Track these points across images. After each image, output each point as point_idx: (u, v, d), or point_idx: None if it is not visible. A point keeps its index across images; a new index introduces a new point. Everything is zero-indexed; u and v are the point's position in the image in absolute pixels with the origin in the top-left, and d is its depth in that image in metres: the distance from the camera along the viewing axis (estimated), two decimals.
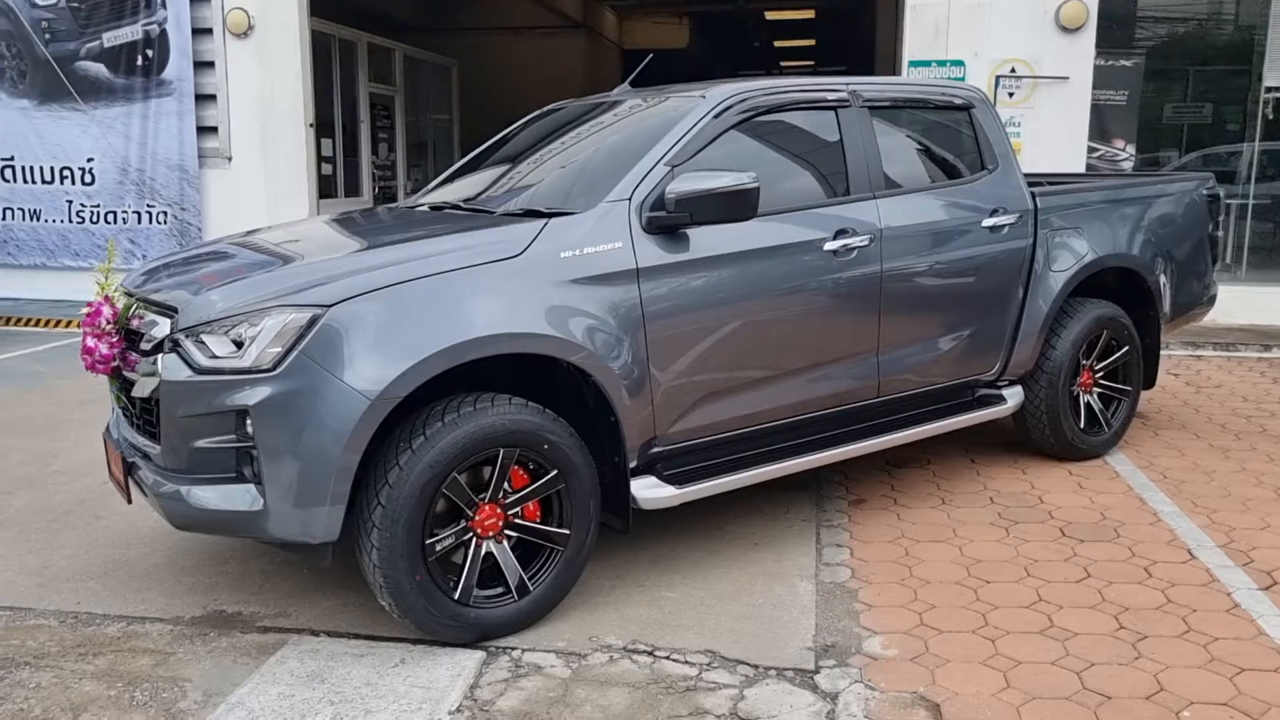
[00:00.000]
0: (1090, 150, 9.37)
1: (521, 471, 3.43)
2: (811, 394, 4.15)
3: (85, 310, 3.39)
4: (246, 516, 3.12)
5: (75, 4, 10.13)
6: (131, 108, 10.22)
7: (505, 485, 3.38)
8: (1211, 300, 5.82)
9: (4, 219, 10.68)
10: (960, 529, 4.33)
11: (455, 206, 4.20)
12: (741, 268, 3.82)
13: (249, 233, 4.37)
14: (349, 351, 3.09)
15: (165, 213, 10.33)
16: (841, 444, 4.27)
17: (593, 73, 21.00)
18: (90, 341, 3.38)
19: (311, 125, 10.24)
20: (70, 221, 10.54)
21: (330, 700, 3.08)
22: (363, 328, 3.12)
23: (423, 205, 4.45)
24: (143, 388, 3.26)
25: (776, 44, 27.66)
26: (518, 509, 3.42)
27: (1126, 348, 5.16)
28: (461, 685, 3.16)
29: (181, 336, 3.16)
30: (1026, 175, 7.31)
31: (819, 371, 4.14)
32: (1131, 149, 9.46)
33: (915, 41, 9.13)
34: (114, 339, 3.39)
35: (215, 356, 3.11)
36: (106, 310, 3.38)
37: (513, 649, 3.37)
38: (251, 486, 3.11)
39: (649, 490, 3.71)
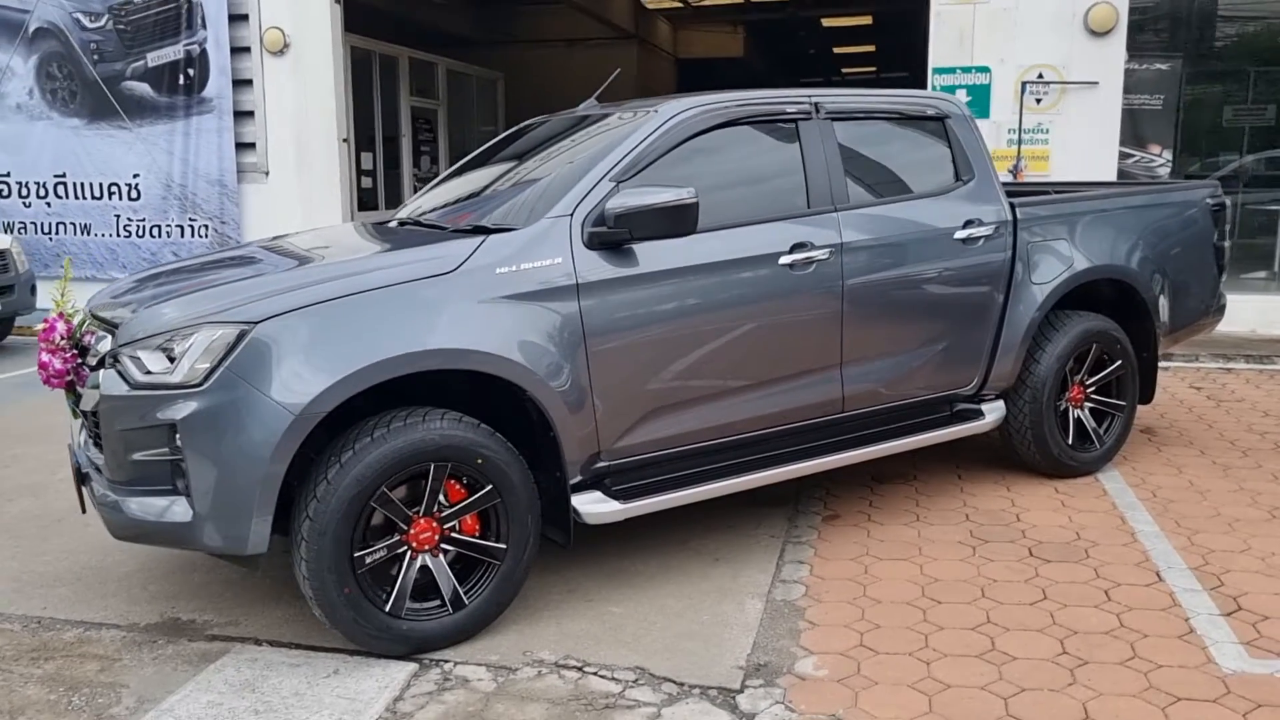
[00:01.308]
0: (1126, 156, 9.13)
1: (458, 486, 3.46)
2: (770, 409, 4.11)
3: (41, 326, 3.52)
4: (177, 528, 3.20)
5: (122, 26, 10.50)
6: (174, 125, 10.57)
7: (440, 499, 3.42)
8: (1220, 311, 5.62)
9: (57, 233, 11.11)
10: (927, 547, 4.26)
11: (417, 222, 4.27)
12: (688, 282, 3.81)
13: (249, 243, 4.50)
14: (275, 367, 3.16)
15: (206, 226, 10.65)
16: (804, 459, 4.22)
17: (645, 83, 21.07)
18: (45, 357, 3.51)
19: (345, 140, 10.46)
20: (118, 235, 10.93)
21: (256, 709, 3.14)
22: (290, 344, 3.19)
23: (393, 220, 4.53)
24: (87, 401, 3.39)
25: (836, 50, 27.44)
26: (454, 523, 3.46)
27: (1119, 362, 5.01)
28: (386, 697, 3.20)
29: (121, 352, 3.26)
30: (1035, 184, 7.19)
31: (777, 386, 4.10)
32: (1168, 154, 9.19)
33: (940, 48, 9.00)
34: (68, 354, 3.51)
35: (149, 372, 3.20)
36: (61, 326, 3.51)
37: (446, 662, 3.41)
38: (183, 499, 3.20)
39: (593, 505, 3.71)
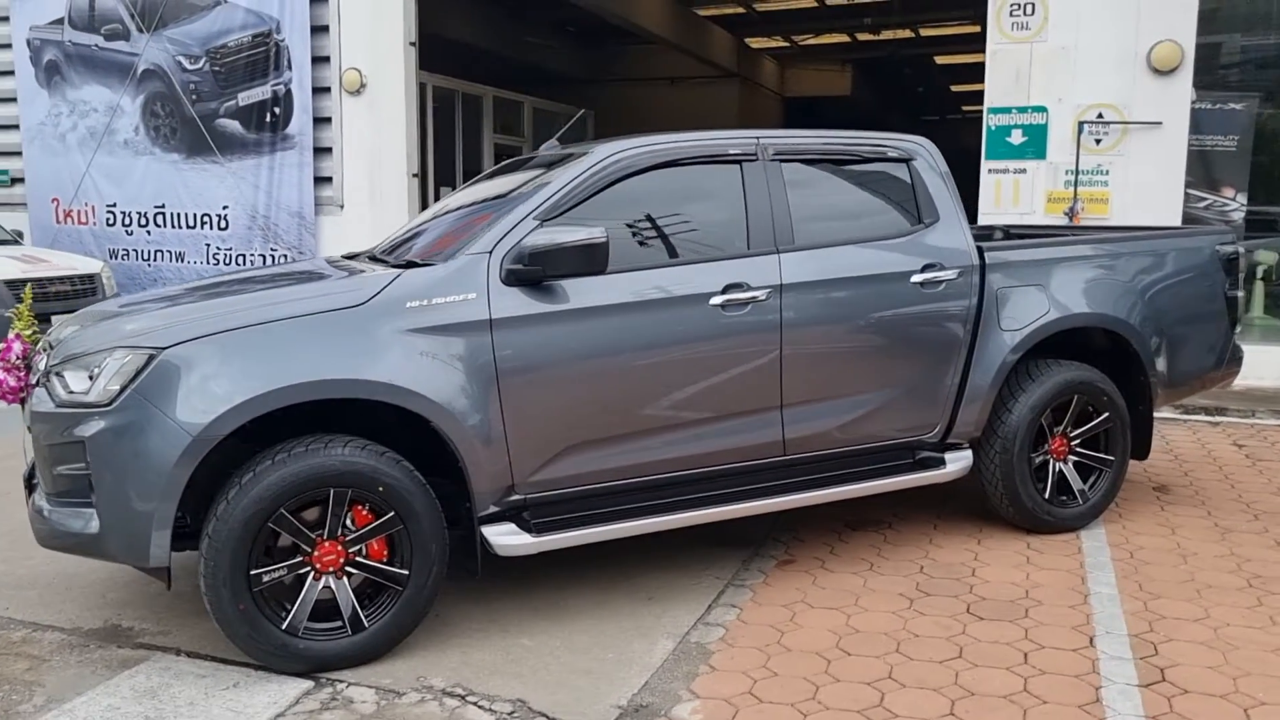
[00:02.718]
0: (1198, 199, 8.71)
1: (365, 511, 3.57)
2: (702, 449, 4.09)
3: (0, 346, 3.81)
4: (87, 538, 3.41)
5: (217, 68, 11.19)
6: (260, 160, 11.17)
7: (347, 524, 3.54)
8: (1236, 363, 5.30)
9: (155, 260, 11.85)
10: (865, 597, 4.15)
11: (372, 256, 4.44)
12: (608, 320, 3.85)
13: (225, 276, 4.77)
14: (179, 391, 3.34)
15: (285, 255, 11.18)
16: (743, 500, 4.17)
17: (747, 121, 21.16)
18: (0, 374, 3.79)
19: (415, 175, 10.85)
20: (208, 263, 11.58)
21: (148, 715, 3.30)
22: (196, 369, 3.37)
23: (364, 254, 4.72)
24: (27, 417, 3.64)
25: (953, 88, 26.96)
26: (360, 547, 3.57)
27: (1106, 414, 4.79)
28: (271, 712, 3.31)
29: (51, 372, 3.51)
30: (1045, 228, 6.96)
31: (709, 426, 4.08)
32: (1243, 197, 8.71)
33: (996, 87, 8.81)
34: (21, 373, 3.78)
35: (72, 392, 3.43)
36: (16, 347, 3.79)
37: (341, 681, 3.50)
38: (93, 511, 3.40)
39: (504, 537, 3.77)
